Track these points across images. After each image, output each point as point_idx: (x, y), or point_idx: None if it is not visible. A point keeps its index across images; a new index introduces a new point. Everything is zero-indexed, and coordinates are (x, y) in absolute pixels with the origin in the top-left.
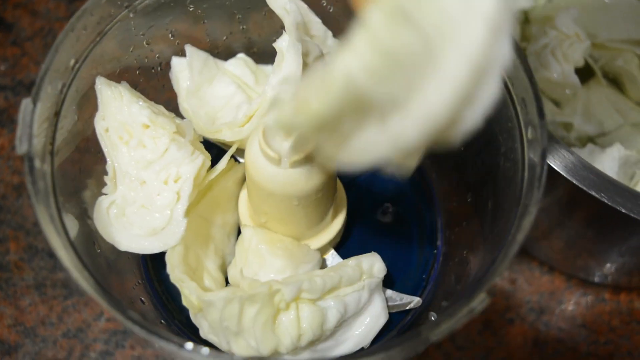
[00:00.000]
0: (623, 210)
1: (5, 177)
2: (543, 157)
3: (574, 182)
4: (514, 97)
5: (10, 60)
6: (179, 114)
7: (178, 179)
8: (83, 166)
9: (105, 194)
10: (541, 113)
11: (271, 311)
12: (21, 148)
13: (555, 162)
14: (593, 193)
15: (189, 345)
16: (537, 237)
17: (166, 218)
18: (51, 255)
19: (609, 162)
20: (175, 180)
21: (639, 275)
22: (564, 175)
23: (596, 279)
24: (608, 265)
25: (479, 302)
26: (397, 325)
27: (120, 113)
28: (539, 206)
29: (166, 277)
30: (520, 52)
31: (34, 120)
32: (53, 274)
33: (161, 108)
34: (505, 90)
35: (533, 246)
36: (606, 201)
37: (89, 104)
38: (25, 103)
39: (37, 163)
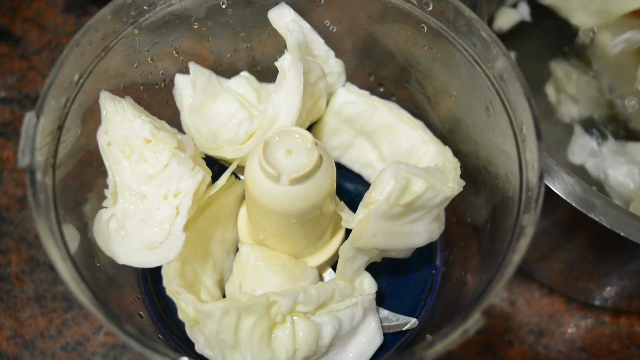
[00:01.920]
0: (622, 234)
1: (9, 190)
2: (540, 178)
3: (574, 204)
4: (513, 120)
5: (18, 74)
6: (181, 130)
7: (178, 194)
8: (85, 180)
9: (106, 207)
10: (539, 135)
11: (267, 324)
12: (23, 161)
13: (555, 185)
14: (592, 216)
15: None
16: (537, 259)
17: (165, 232)
18: (52, 268)
19: None
20: (175, 195)
21: (639, 299)
22: (564, 198)
23: (596, 302)
24: (608, 288)
25: (474, 322)
26: (393, 346)
27: (122, 127)
28: (536, 228)
29: (165, 292)
30: (520, 75)
31: (36, 133)
32: (53, 286)
33: (164, 123)
34: (505, 113)
35: (533, 268)
36: (605, 224)
37: (92, 118)
38: (29, 116)
39: (39, 176)
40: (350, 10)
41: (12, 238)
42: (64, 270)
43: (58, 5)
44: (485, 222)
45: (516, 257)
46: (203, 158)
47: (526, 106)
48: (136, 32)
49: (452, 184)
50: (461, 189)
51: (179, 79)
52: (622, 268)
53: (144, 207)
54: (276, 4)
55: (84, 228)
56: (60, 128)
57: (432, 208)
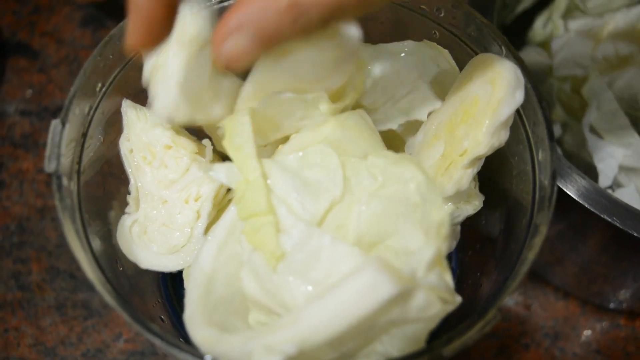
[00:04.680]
0: (635, 234)
1: (29, 200)
2: (553, 178)
3: (586, 206)
4: (525, 120)
5: (37, 87)
6: (202, 135)
7: (198, 198)
8: (107, 187)
9: (128, 213)
10: (551, 135)
11: None
12: (50, 166)
13: (568, 187)
14: (605, 217)
15: (208, 357)
16: (552, 262)
17: (186, 236)
18: (72, 276)
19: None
20: (195, 199)
21: None
22: (577, 199)
23: (611, 305)
24: (623, 290)
25: (490, 318)
26: None
27: (144, 134)
28: (549, 228)
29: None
30: (531, 76)
31: (62, 140)
32: (74, 294)
33: (183, 130)
34: (516, 114)
35: (548, 271)
36: (618, 225)
37: (113, 127)
38: (55, 123)
39: (65, 181)
40: (363, 18)
41: (33, 247)
42: (90, 271)
43: (75, 20)
44: (499, 223)
45: (531, 254)
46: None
47: (537, 107)
48: None
49: (474, 201)
50: (481, 205)
51: None
52: (637, 270)
53: (166, 212)
54: None
55: (107, 234)
56: (84, 135)
57: (453, 225)
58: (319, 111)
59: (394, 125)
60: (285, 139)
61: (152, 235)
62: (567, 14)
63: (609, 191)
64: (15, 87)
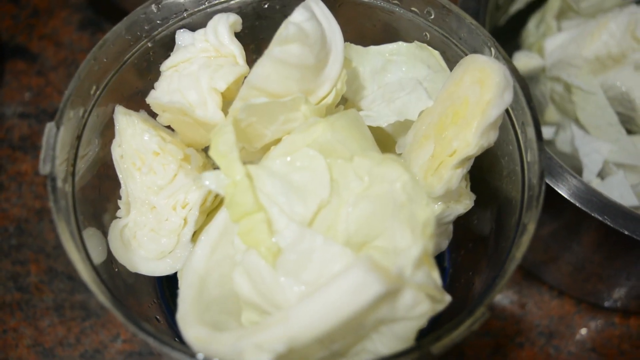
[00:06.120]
0: (626, 232)
1: (27, 202)
2: (541, 177)
3: (578, 205)
4: (515, 121)
5: (35, 90)
6: None
7: (185, 205)
8: (102, 190)
9: (119, 217)
10: (539, 135)
11: None
12: (44, 168)
13: (560, 186)
14: (596, 215)
15: (201, 355)
16: (546, 261)
17: (173, 242)
18: (70, 277)
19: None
20: (182, 207)
21: None
22: (568, 198)
23: (606, 304)
24: (617, 289)
25: (479, 316)
26: None
27: (133, 140)
28: (543, 225)
29: None
30: (521, 78)
31: (57, 143)
32: (72, 296)
33: (176, 135)
34: (506, 115)
35: (542, 270)
36: (609, 223)
37: (109, 130)
38: (49, 126)
39: (59, 183)
40: (355, 21)
41: (31, 249)
42: (84, 272)
43: (73, 23)
44: (490, 223)
45: (519, 253)
46: (216, 168)
47: (526, 108)
48: (150, 45)
49: (464, 201)
50: (472, 204)
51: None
52: (630, 269)
53: (154, 218)
54: (285, 16)
55: (103, 236)
56: (78, 138)
57: (445, 224)
58: (301, 113)
59: (383, 123)
60: (277, 143)
61: (141, 240)
62: (561, 15)
63: (599, 180)
64: (14, 90)
